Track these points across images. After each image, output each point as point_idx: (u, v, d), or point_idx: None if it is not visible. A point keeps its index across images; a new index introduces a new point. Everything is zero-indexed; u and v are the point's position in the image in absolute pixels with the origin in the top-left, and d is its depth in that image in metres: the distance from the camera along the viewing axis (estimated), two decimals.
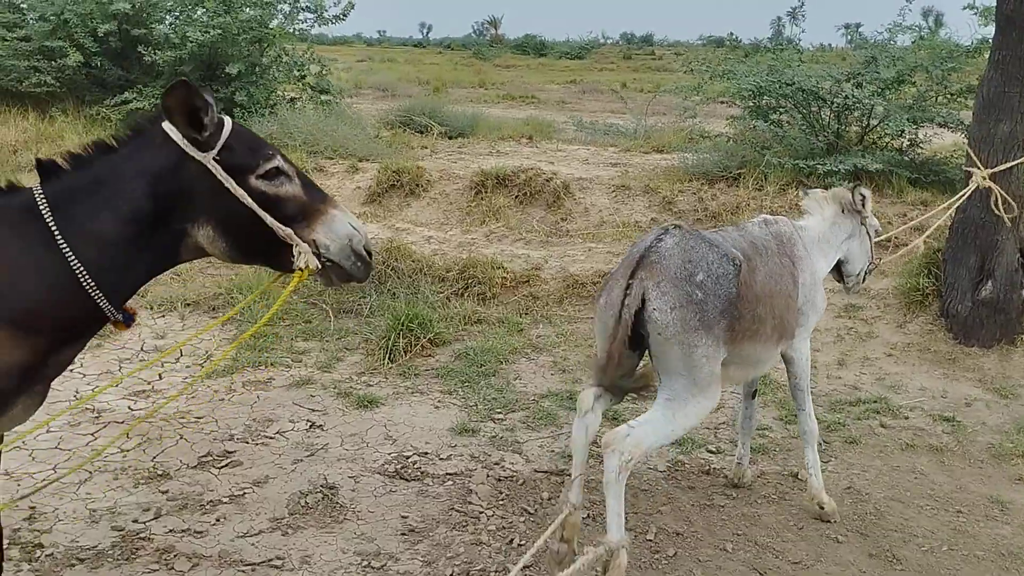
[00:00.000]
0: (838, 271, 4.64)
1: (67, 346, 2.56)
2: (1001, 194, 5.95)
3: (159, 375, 5.74)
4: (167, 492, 4.30)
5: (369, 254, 2.74)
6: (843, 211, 4.47)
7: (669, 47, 78.40)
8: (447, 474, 4.61)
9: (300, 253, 2.60)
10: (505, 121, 15.77)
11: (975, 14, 9.69)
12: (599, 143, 13.57)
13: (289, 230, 2.59)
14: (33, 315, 2.42)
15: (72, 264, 2.43)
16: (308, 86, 13.26)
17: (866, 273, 4.70)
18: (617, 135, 14.23)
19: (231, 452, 4.72)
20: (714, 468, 4.80)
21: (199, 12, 12.15)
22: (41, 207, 2.44)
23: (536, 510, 4.29)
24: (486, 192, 9.31)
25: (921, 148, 10.02)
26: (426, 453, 4.83)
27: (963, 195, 6.14)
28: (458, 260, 7.52)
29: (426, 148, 11.85)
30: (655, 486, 4.59)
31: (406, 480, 4.53)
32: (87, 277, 2.44)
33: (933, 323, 6.52)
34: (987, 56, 9.14)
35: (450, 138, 13.43)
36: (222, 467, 4.57)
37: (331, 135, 10.66)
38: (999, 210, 5.97)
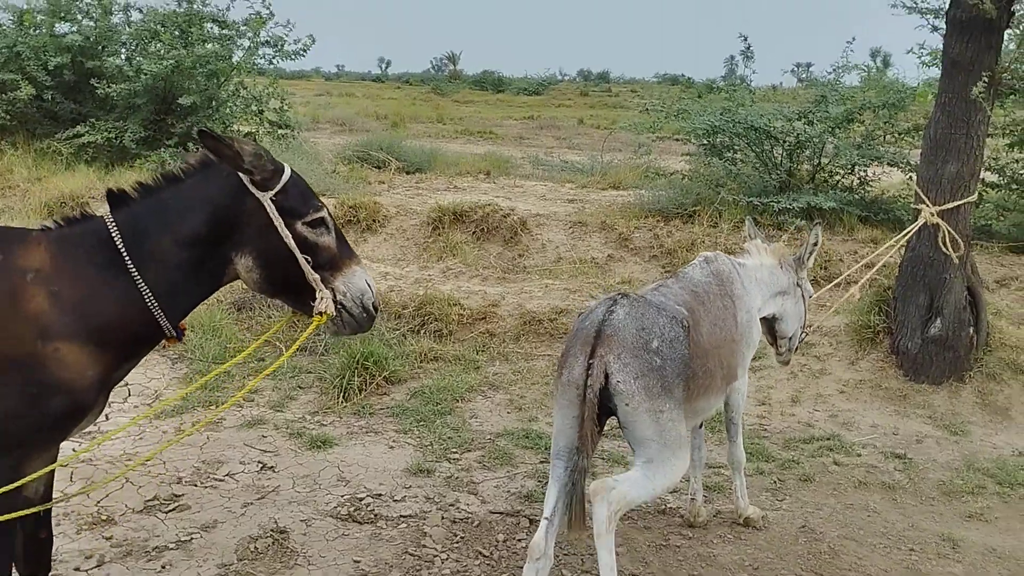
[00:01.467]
0: (771, 332, 4.70)
1: (127, 362, 2.86)
2: (949, 231, 6.07)
3: (106, 416, 5.60)
4: (111, 538, 4.17)
5: (376, 309, 3.06)
6: (780, 265, 4.54)
7: (625, 84, 79.43)
8: (401, 516, 4.54)
9: (322, 298, 2.90)
10: (463, 157, 15.80)
11: (920, 57, 9.95)
12: (556, 179, 13.65)
13: (317, 276, 2.89)
14: (106, 332, 2.70)
15: (140, 286, 2.73)
16: (267, 121, 13.18)
17: (800, 339, 4.78)
18: (574, 171, 14.33)
19: (179, 495, 4.61)
20: (670, 507, 4.79)
21: (155, 45, 12.05)
22: (113, 234, 2.73)
23: (492, 552, 4.23)
24: (443, 228, 9.30)
25: (870, 186, 10.22)
26: (380, 495, 4.75)
27: (911, 230, 6.27)
28: (415, 296, 7.48)
29: (383, 183, 11.83)
30: None
31: (359, 523, 4.45)
32: (151, 298, 2.74)
33: (884, 360, 6.61)
34: (932, 96, 9.42)
35: (408, 173, 13.43)
36: (169, 511, 4.45)
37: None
38: (947, 248, 6.08)
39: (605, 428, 3.65)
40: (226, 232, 2.84)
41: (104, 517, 4.35)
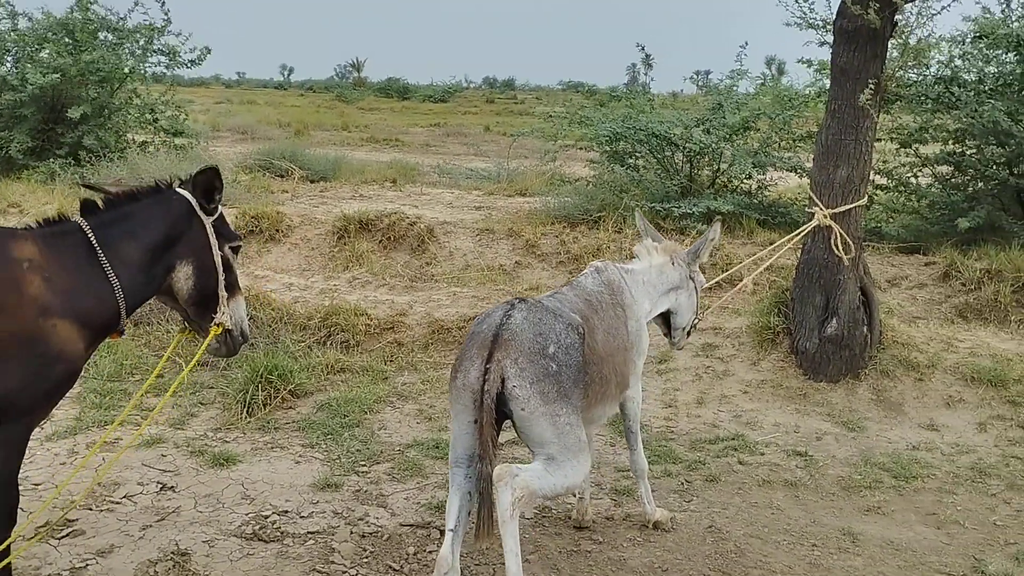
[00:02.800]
0: (666, 323, 4.78)
1: (95, 345, 3.36)
2: (841, 233, 6.28)
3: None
4: None
5: (245, 339, 3.75)
6: (672, 262, 4.60)
7: (531, 91, 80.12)
8: (308, 533, 4.43)
9: (223, 311, 3.54)
10: (369, 164, 15.65)
11: (809, 67, 10.30)
12: (463, 186, 13.64)
13: (224, 293, 3.53)
14: (88, 315, 3.20)
15: (111, 280, 3.24)
16: (161, 129, 12.80)
17: (691, 328, 4.86)
18: (481, 179, 14.34)
19: (72, 520, 4.39)
20: None
21: (44, 52, 11.58)
22: (89, 235, 3.24)
23: (402, 566, 4.18)
24: (349, 237, 9.18)
25: (768, 191, 10.52)
26: (286, 511, 4.64)
27: (804, 230, 6.46)
28: (320, 307, 7.35)
29: (287, 192, 11.62)
30: (522, 534, 4.51)
31: (265, 542, 4.33)
32: (119, 290, 3.25)
33: (784, 360, 6.78)
34: (823, 104, 9.75)
35: (312, 182, 13.23)
36: (62, 537, 4.25)
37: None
38: (839, 250, 6.28)
39: (508, 435, 3.64)
40: (173, 244, 3.43)
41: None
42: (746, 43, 10.90)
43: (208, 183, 3.49)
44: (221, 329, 3.54)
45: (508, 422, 3.60)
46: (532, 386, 3.41)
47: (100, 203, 3.39)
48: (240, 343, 3.70)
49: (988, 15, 9.03)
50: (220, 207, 3.56)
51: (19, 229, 3.30)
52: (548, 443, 3.45)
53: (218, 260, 3.49)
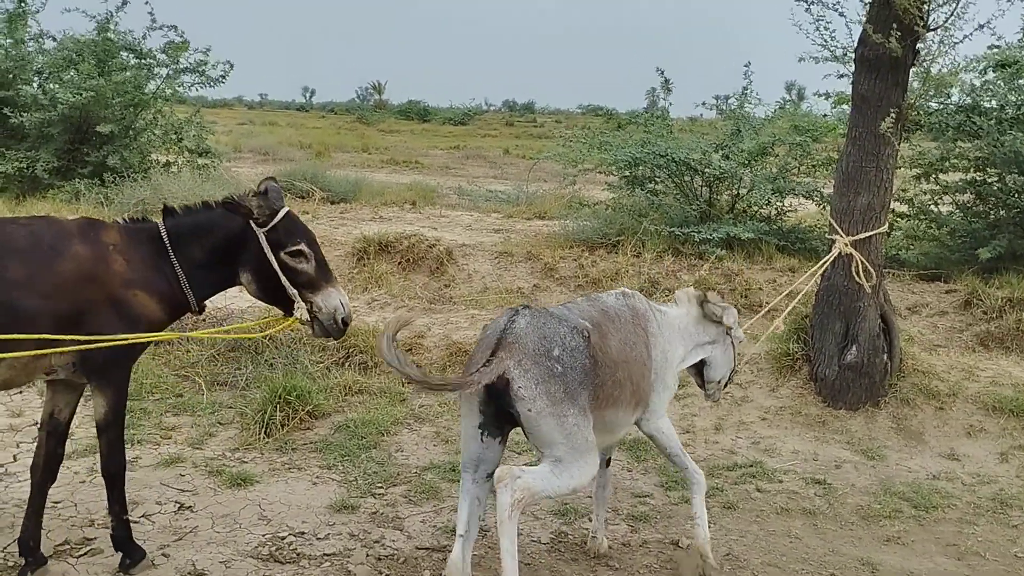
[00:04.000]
0: (700, 375, 4.76)
1: (172, 318, 4.06)
2: (862, 261, 6.26)
3: (13, 456, 5.38)
4: None
5: (346, 323, 4.11)
6: (707, 317, 4.58)
7: (550, 115, 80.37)
8: (324, 555, 4.44)
9: (299, 307, 4.03)
10: (389, 186, 15.77)
11: (828, 100, 10.30)
12: (482, 209, 13.70)
13: (295, 291, 4.00)
14: (163, 293, 3.91)
15: (176, 269, 3.92)
16: (186, 148, 12.95)
17: (727, 381, 4.82)
18: (500, 201, 14.40)
19: (91, 539, 4.42)
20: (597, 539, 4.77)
21: (71, 74, 11.76)
22: (163, 233, 3.94)
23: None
24: (369, 258, 9.24)
25: (787, 217, 10.51)
26: (303, 533, 4.64)
27: (827, 261, 6.45)
28: None
29: (307, 213, 11.70)
30: (538, 559, 4.53)
31: (281, 563, 4.34)
32: (183, 278, 3.93)
33: (803, 387, 6.74)
34: (843, 130, 9.73)
35: (332, 203, 13.34)
36: (80, 556, 4.27)
37: (216, 197, 10.40)
38: (860, 277, 6.26)
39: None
40: (235, 252, 4.00)
41: (11, 564, 4.15)
42: (748, 63, 10.90)
43: (234, 210, 3.94)
44: (296, 321, 4.09)
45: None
46: (537, 386, 3.43)
47: (179, 209, 4.05)
48: (336, 328, 4.09)
49: (1001, 45, 8.98)
50: (279, 217, 3.95)
51: (109, 222, 4.01)
52: (556, 444, 3.47)
53: (274, 265, 3.94)
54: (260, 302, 4.52)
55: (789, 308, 6.37)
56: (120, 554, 4.12)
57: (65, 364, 3.78)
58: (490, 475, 3.62)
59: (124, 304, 3.79)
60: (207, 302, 4.18)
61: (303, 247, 4.00)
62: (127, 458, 5.33)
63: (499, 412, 3.52)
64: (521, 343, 3.49)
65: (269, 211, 3.95)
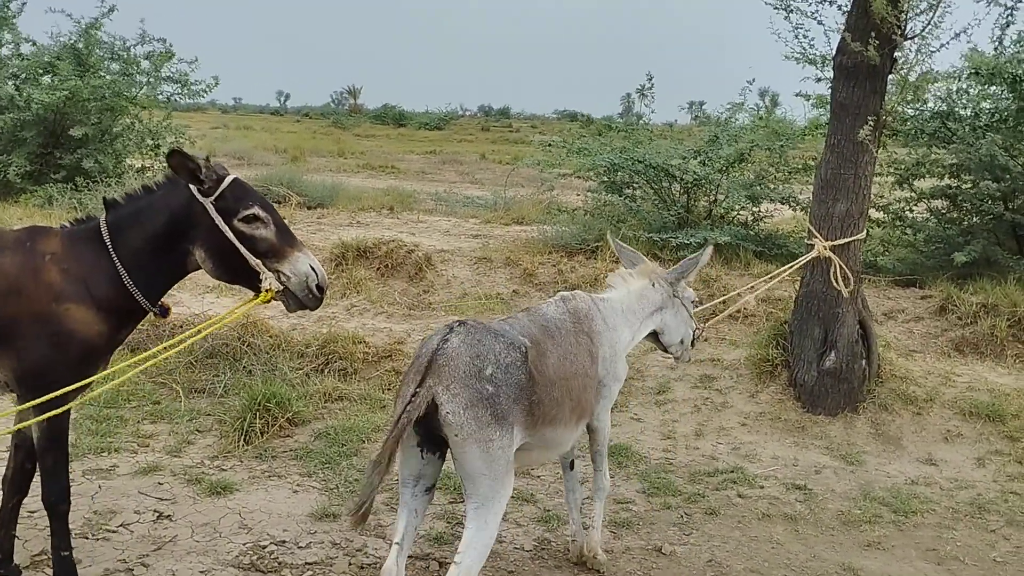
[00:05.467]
0: (658, 342, 4.78)
1: (126, 326, 3.74)
2: (840, 265, 6.30)
3: None
4: None
5: (321, 290, 3.72)
6: (652, 284, 4.60)
7: (525, 120, 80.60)
8: (306, 563, 4.40)
9: (266, 277, 3.61)
10: (365, 191, 15.69)
11: (807, 101, 10.40)
12: (460, 214, 13.67)
13: (257, 260, 3.61)
14: (105, 301, 3.57)
15: (119, 268, 3.58)
16: (163, 154, 12.84)
17: (693, 340, 4.84)
18: (478, 207, 14.38)
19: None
20: None
21: (47, 79, 11.63)
22: (103, 230, 3.61)
23: None
24: (347, 264, 9.19)
25: (764, 223, 10.58)
26: (284, 541, 4.60)
27: (804, 259, 6.48)
28: (318, 335, 7.34)
29: (285, 218, 11.60)
30: (522, 567, 4.52)
31: (262, 572, 4.29)
32: (127, 277, 3.58)
33: (783, 392, 6.78)
34: (820, 135, 9.82)
35: (309, 208, 13.27)
36: None
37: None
38: (838, 283, 6.30)
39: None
40: (182, 231, 3.62)
41: None
42: (753, 79, 11.02)
43: (181, 167, 3.57)
44: (269, 295, 3.64)
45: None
46: (466, 411, 3.39)
47: (121, 199, 3.72)
48: (312, 297, 3.71)
49: (978, 53, 9.10)
50: (225, 183, 3.60)
51: (54, 228, 3.79)
52: (479, 476, 3.43)
53: (231, 236, 3.57)
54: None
55: (758, 292, 6.38)
56: None
57: None
58: (429, 489, 3.66)
59: (53, 320, 3.49)
60: (173, 305, 3.92)
61: (256, 210, 3.62)
62: (104, 466, 5.33)
63: (433, 433, 3.50)
64: (452, 365, 3.43)
65: (216, 177, 3.61)
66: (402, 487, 3.66)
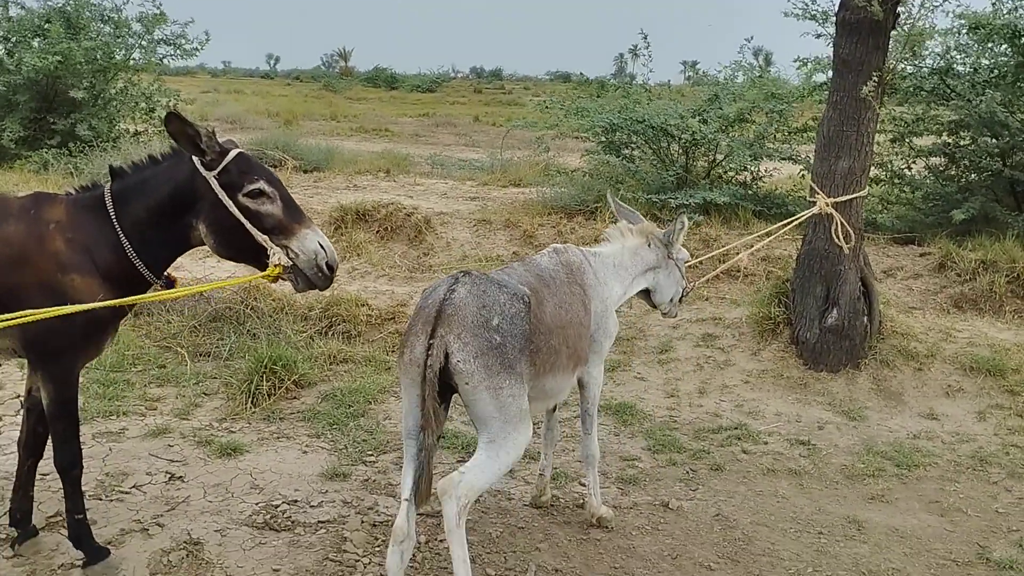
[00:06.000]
0: (648, 300, 4.82)
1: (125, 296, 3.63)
2: (841, 222, 6.31)
3: None
4: (12, 558, 3.96)
5: (331, 268, 3.61)
6: (648, 244, 4.62)
7: (518, 81, 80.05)
8: (319, 522, 4.44)
9: (273, 253, 3.49)
10: (360, 155, 15.60)
11: (804, 65, 10.32)
12: (456, 177, 13.62)
13: (264, 236, 3.49)
14: (108, 271, 3.54)
15: (122, 238, 3.53)
16: (158, 118, 12.75)
17: (681, 298, 4.88)
18: (474, 169, 14.32)
19: None
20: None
21: (37, 42, 11.49)
22: (107, 200, 3.55)
23: (415, 555, 4.18)
24: (346, 227, 9.17)
25: (763, 182, 10.57)
26: (296, 501, 4.64)
27: (807, 214, 6.47)
28: (320, 298, 7.33)
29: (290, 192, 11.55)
30: (531, 523, 4.57)
31: (276, 531, 4.34)
32: (130, 248, 3.54)
33: (785, 350, 6.82)
34: (816, 95, 9.79)
35: (305, 172, 13.18)
36: None
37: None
38: (839, 239, 6.31)
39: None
40: (186, 204, 3.54)
41: (2, 536, 4.12)
42: (752, 36, 10.97)
43: (180, 133, 3.44)
44: (279, 269, 3.50)
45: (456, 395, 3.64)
46: (476, 360, 3.45)
47: (127, 168, 3.65)
48: (322, 276, 3.58)
49: (973, 12, 9.06)
50: (230, 157, 3.49)
51: (59, 194, 3.71)
52: (490, 419, 3.49)
53: (235, 211, 3.46)
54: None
55: (755, 248, 6.41)
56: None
57: (5, 349, 3.61)
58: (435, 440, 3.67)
59: (58, 290, 3.44)
60: (172, 269, 3.81)
61: (262, 184, 3.50)
62: (114, 429, 5.36)
63: (440, 382, 3.51)
64: (460, 315, 3.48)
65: (219, 150, 3.50)
66: (407, 441, 3.67)
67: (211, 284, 4.01)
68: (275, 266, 3.48)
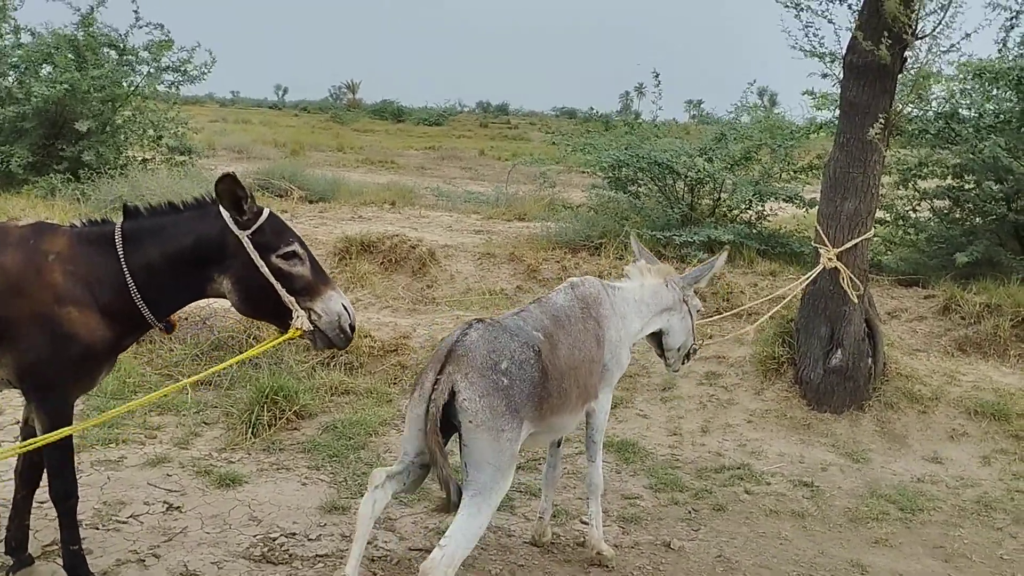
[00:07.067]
0: (659, 345, 4.80)
1: (130, 335, 3.68)
2: (847, 274, 6.32)
3: None
4: None
5: (352, 329, 3.67)
6: (666, 285, 4.64)
7: (524, 116, 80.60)
8: (317, 556, 4.40)
9: (298, 316, 3.53)
10: (366, 186, 15.70)
11: (813, 100, 10.41)
12: (462, 210, 13.67)
13: (291, 298, 3.52)
14: (110, 307, 3.51)
15: (127, 279, 3.50)
16: (166, 146, 12.82)
17: (690, 353, 4.87)
18: (479, 203, 14.38)
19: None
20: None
21: (46, 70, 11.59)
22: (116, 237, 3.53)
23: None
24: (351, 258, 9.18)
25: (767, 221, 10.59)
26: (294, 534, 4.60)
27: (812, 275, 6.51)
28: None
29: (286, 212, 11.59)
30: (532, 560, 4.52)
31: (273, 564, 4.29)
32: (135, 289, 3.51)
33: (788, 390, 6.79)
34: (821, 134, 9.84)
35: (310, 202, 13.25)
36: None
37: (185, 198, 10.28)
38: (848, 289, 6.33)
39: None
40: (212, 259, 3.54)
41: None
42: (754, 80, 11.08)
43: (229, 192, 3.46)
44: (298, 333, 3.56)
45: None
46: (481, 399, 3.49)
47: (143, 210, 3.64)
48: (342, 337, 3.65)
49: (978, 59, 9.13)
50: (263, 218, 3.52)
51: (63, 226, 3.68)
52: (484, 464, 3.50)
53: (265, 272, 3.48)
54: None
55: (765, 317, 6.43)
56: None
57: (0, 380, 3.60)
58: (424, 465, 3.72)
59: (54, 322, 3.42)
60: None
61: (296, 247, 3.55)
62: (113, 457, 5.33)
63: (445, 419, 3.55)
64: (470, 356, 3.56)
65: (256, 210, 3.52)
66: (402, 457, 3.79)
67: (247, 352, 4.12)
68: (296, 330, 3.55)
